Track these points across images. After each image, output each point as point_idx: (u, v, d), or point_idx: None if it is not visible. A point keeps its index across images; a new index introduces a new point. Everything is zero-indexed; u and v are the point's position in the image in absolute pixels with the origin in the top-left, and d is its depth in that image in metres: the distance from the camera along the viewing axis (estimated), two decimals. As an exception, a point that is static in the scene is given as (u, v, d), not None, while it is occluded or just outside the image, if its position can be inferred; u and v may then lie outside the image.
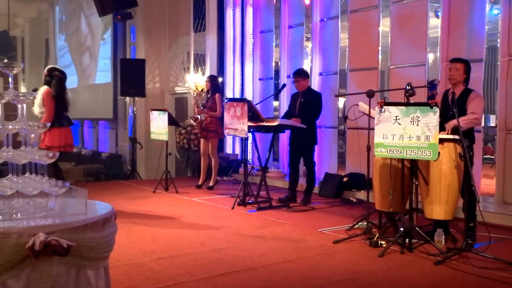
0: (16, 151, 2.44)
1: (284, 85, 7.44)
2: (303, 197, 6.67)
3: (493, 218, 5.42)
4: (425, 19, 6.75)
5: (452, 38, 6.59)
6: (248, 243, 4.59)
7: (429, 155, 4.16)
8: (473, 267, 3.86)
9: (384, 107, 4.37)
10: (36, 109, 6.13)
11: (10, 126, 2.43)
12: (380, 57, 7.38)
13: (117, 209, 4.59)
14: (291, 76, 7.36)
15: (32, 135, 2.51)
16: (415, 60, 6.92)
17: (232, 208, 6.22)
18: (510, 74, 6.06)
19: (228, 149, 10.07)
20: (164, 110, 7.67)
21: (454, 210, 4.56)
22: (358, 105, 5.22)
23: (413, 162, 4.45)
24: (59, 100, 6.13)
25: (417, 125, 4.20)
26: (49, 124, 2.65)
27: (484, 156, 6.30)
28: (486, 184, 6.31)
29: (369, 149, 4.84)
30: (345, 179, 7.29)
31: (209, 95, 7.79)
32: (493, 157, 6.26)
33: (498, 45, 6.12)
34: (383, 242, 4.48)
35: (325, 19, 8.43)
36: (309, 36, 8.53)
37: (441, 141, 4.36)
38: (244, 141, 6.83)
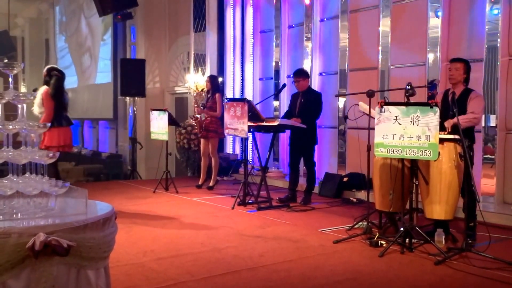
0: (16, 151, 2.44)
1: (284, 85, 7.44)
2: (303, 197, 6.67)
3: (493, 218, 5.42)
4: (425, 19, 6.75)
5: (452, 38, 6.59)
6: (248, 243, 4.59)
7: (429, 155, 4.16)
8: (473, 267, 3.86)
9: (384, 107, 4.37)
10: (36, 109, 6.13)
11: (10, 126, 2.43)
12: (380, 57, 7.38)
13: (117, 209, 4.59)
14: (291, 76, 7.36)
15: (32, 135, 2.51)
16: (415, 60, 6.92)
17: (232, 208, 6.22)
18: (510, 74, 6.06)
19: (228, 149, 10.07)
20: (164, 110, 7.67)
21: (454, 210, 4.56)
22: (358, 105, 5.23)
23: (413, 162, 4.45)
24: (57, 99, 6.12)
25: (417, 125, 4.20)
26: (49, 124, 2.64)
27: (484, 156, 6.30)
28: (486, 184, 6.31)
29: (369, 149, 4.84)
30: (345, 179, 7.29)
31: (209, 95, 7.79)
32: (493, 157, 6.26)
33: (498, 45, 6.12)
34: (383, 242, 4.48)
35: (325, 19, 8.43)
36: (309, 36, 8.53)
37: (441, 141, 4.36)
38: (244, 141, 6.83)
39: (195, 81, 9.91)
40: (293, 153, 6.78)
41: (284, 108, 8.23)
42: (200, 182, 7.91)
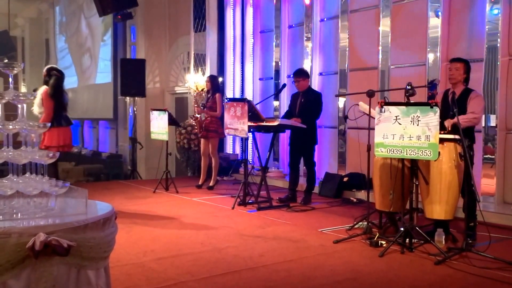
0: (16, 151, 2.44)
1: (284, 85, 7.44)
2: (303, 197, 6.67)
3: (493, 218, 5.42)
4: (425, 19, 6.75)
5: (452, 38, 6.59)
6: (248, 243, 4.59)
7: (429, 155, 4.16)
8: (474, 267, 3.86)
9: (384, 107, 4.37)
10: (36, 109, 6.13)
11: (10, 126, 2.43)
12: (380, 57, 7.38)
13: (118, 209, 4.59)
14: (291, 76, 7.36)
15: (33, 135, 2.51)
16: (415, 60, 6.92)
17: (233, 208, 6.22)
18: (510, 74, 6.06)
19: (229, 149, 10.07)
20: (164, 110, 7.67)
21: (454, 210, 4.56)
22: (358, 105, 5.23)
23: (413, 162, 4.45)
24: (56, 99, 6.12)
25: (418, 125, 4.20)
26: (49, 124, 2.64)
27: (484, 156, 6.30)
28: (486, 183, 6.31)
29: (369, 149, 4.84)
30: (345, 179, 7.29)
31: (209, 95, 7.79)
32: (493, 157, 6.26)
33: (498, 45, 6.12)
34: (383, 242, 4.48)
35: (325, 19, 8.43)
36: (309, 36, 8.53)
37: (441, 140, 4.36)
38: (244, 141, 6.83)
39: (195, 81, 9.91)
40: (293, 153, 6.78)
41: (284, 108, 8.23)
42: (200, 182, 7.91)
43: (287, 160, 7.51)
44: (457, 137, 4.43)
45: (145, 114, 11.17)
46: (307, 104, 6.57)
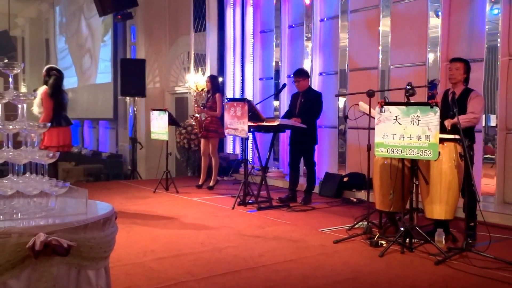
0: (16, 151, 2.44)
1: (284, 85, 7.44)
2: (304, 197, 6.67)
3: (493, 218, 5.42)
4: (425, 19, 6.74)
5: (452, 38, 6.59)
6: (248, 243, 4.59)
7: (430, 154, 4.16)
8: (474, 267, 3.86)
9: (384, 106, 4.37)
10: (35, 109, 6.14)
11: (11, 126, 2.43)
12: (380, 57, 7.37)
13: (118, 209, 4.58)
14: (291, 76, 7.36)
15: (33, 135, 2.51)
16: (415, 60, 6.92)
17: (233, 208, 6.22)
18: (510, 74, 6.06)
19: (229, 149, 10.07)
20: (164, 110, 7.67)
21: (455, 210, 4.56)
22: (358, 104, 5.22)
23: (414, 162, 4.45)
24: (56, 99, 6.12)
25: (418, 125, 4.20)
26: (49, 124, 2.65)
27: (484, 156, 6.30)
28: (486, 183, 6.30)
29: (369, 148, 4.84)
30: (345, 179, 7.29)
31: (209, 95, 7.79)
32: (493, 156, 6.25)
33: (498, 45, 6.12)
34: (383, 242, 4.48)
35: (325, 19, 8.43)
36: (309, 36, 8.53)
37: (442, 140, 4.36)
38: (244, 141, 6.83)
39: (195, 81, 9.91)
40: (293, 153, 6.78)
41: (284, 108, 8.23)
42: (200, 182, 7.91)
43: (287, 160, 7.51)
44: (457, 137, 4.43)
45: (145, 114, 11.18)
46: (307, 104, 6.57)
